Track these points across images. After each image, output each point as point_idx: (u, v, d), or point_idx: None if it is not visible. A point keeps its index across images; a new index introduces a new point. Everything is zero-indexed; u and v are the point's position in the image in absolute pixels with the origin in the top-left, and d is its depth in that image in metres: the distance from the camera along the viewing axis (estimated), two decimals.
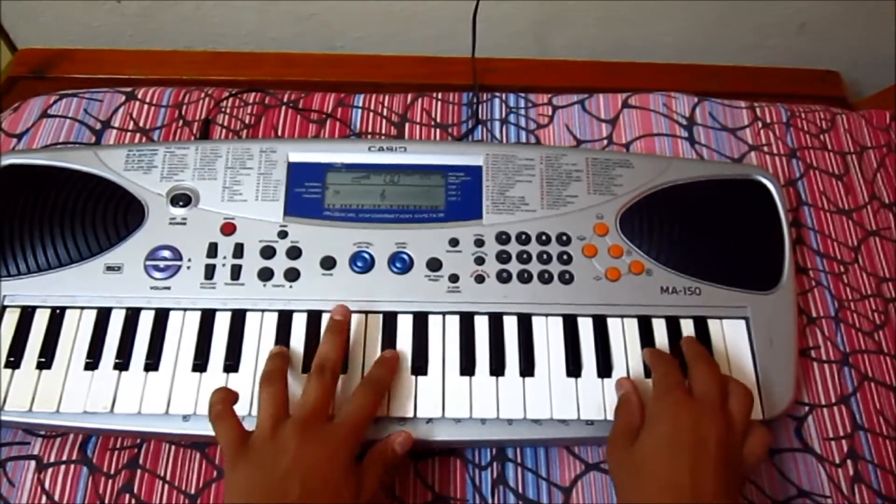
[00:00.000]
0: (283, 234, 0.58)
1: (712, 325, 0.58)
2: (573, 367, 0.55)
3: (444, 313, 0.57)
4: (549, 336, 0.56)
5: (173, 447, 0.55)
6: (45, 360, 0.54)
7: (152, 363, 0.54)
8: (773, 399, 0.55)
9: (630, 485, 0.48)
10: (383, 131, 0.72)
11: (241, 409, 0.51)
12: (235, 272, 0.57)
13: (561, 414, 0.53)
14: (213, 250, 0.57)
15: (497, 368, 0.55)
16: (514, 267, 0.58)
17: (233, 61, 0.84)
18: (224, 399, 0.49)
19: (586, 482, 0.56)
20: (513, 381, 0.54)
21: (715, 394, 0.49)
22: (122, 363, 0.54)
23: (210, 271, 0.57)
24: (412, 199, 0.60)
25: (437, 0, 0.83)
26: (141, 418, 0.53)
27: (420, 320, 0.56)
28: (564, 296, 0.57)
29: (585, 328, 0.57)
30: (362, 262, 0.57)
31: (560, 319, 0.57)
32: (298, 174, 0.61)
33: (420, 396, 0.53)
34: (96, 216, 0.58)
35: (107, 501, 0.54)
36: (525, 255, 0.58)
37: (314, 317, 0.56)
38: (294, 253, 0.57)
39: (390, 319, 0.56)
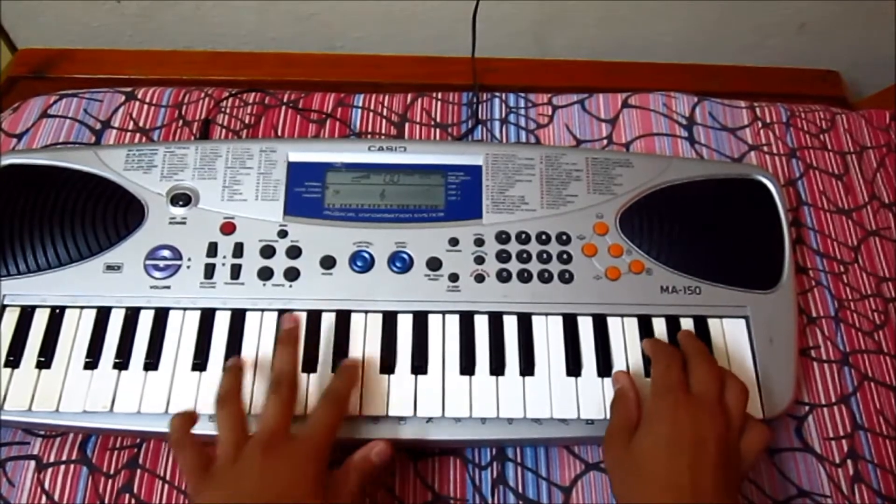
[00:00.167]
0: (282, 234, 0.58)
1: (712, 324, 0.58)
2: (573, 367, 0.55)
3: (443, 313, 0.57)
4: (549, 335, 0.56)
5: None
6: (45, 359, 0.54)
7: (152, 362, 0.54)
8: (774, 398, 0.55)
9: (629, 484, 0.48)
10: (383, 131, 0.72)
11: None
12: (235, 271, 0.57)
13: (561, 413, 0.53)
14: (212, 250, 0.57)
15: (497, 368, 0.54)
16: (513, 266, 0.58)
17: (233, 61, 0.84)
18: (182, 425, 0.48)
19: (586, 482, 0.56)
20: (513, 381, 0.54)
21: (714, 392, 0.49)
22: (122, 362, 0.54)
23: (210, 271, 0.57)
24: (412, 199, 0.60)
25: (437, 0, 0.83)
26: (141, 418, 0.53)
27: (420, 320, 0.56)
28: (564, 295, 0.57)
29: (585, 327, 0.57)
30: (362, 262, 0.57)
31: (560, 319, 0.57)
32: (298, 174, 0.61)
33: (420, 396, 0.53)
34: (96, 216, 0.58)
35: (107, 501, 0.54)
36: (525, 255, 0.58)
37: (314, 316, 0.56)
38: (294, 252, 0.57)
39: (390, 319, 0.56)
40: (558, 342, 0.56)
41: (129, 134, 0.69)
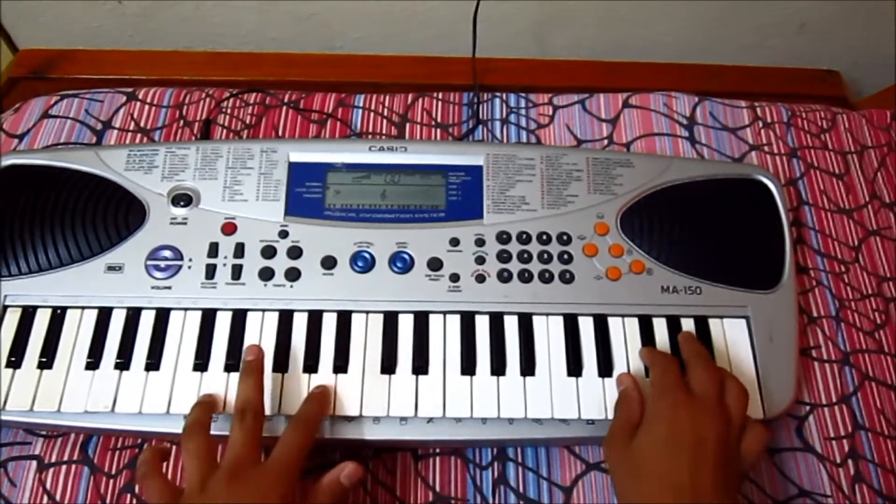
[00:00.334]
0: (283, 234, 0.58)
1: (713, 324, 0.58)
2: (574, 367, 0.55)
3: (444, 313, 0.57)
4: (549, 335, 0.56)
5: (174, 447, 0.55)
6: (46, 359, 0.54)
7: (153, 363, 0.54)
8: (774, 398, 0.55)
9: (630, 484, 0.48)
10: (384, 131, 0.72)
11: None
12: (236, 272, 0.57)
13: (562, 413, 0.53)
14: (213, 250, 0.57)
15: (498, 368, 0.55)
16: (514, 266, 0.58)
17: (233, 61, 0.84)
18: (150, 459, 0.48)
19: (587, 482, 0.56)
20: (513, 381, 0.54)
21: (713, 392, 0.49)
22: (123, 363, 0.54)
23: (211, 271, 0.57)
24: (413, 199, 0.60)
25: (437, 0, 0.83)
26: (142, 418, 0.53)
27: (421, 320, 0.56)
28: (565, 295, 0.57)
29: (586, 327, 0.57)
30: (363, 262, 0.58)
31: (561, 319, 0.57)
32: (299, 174, 0.61)
33: (421, 396, 0.53)
34: (97, 216, 0.58)
35: (108, 501, 0.54)
36: (526, 255, 0.58)
37: (315, 316, 0.56)
38: (295, 253, 0.58)
39: (391, 319, 0.56)
40: (559, 342, 0.56)
41: (130, 134, 0.69)
